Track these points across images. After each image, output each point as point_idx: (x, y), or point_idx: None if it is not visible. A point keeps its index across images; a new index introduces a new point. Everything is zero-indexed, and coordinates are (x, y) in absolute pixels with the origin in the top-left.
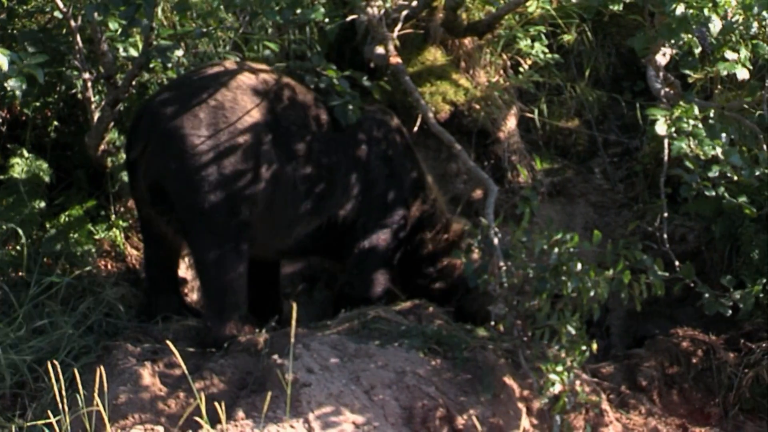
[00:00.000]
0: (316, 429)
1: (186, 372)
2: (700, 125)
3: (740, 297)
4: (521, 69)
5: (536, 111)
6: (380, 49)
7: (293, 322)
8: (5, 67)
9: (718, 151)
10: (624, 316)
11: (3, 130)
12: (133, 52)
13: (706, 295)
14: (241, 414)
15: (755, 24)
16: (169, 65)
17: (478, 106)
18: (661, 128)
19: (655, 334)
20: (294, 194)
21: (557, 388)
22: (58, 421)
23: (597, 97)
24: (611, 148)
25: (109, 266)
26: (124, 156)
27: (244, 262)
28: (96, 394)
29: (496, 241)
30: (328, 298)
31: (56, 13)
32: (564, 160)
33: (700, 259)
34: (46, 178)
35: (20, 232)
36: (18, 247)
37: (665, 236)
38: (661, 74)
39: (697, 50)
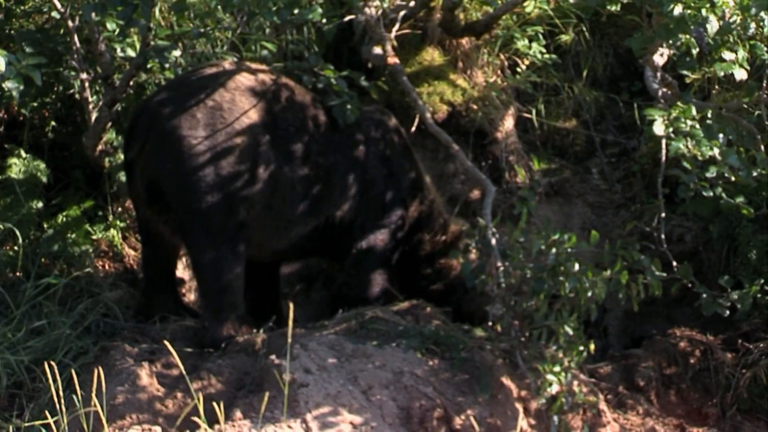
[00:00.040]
0: (313, 429)
1: (184, 372)
2: (698, 126)
3: (738, 297)
4: (519, 69)
5: (534, 111)
6: (378, 50)
7: (290, 323)
8: (2, 68)
9: (716, 151)
10: (621, 316)
11: (0, 131)
12: (131, 53)
13: (704, 295)
14: (238, 414)
15: (753, 24)
16: (167, 65)
17: (475, 107)
18: (658, 128)
19: (653, 335)
20: (292, 195)
21: (555, 389)
22: (55, 422)
23: (594, 98)
24: (609, 148)
25: (107, 266)
26: (121, 156)
27: (242, 263)
28: (94, 395)
29: (493, 241)
30: (325, 298)
31: (54, 14)
32: (561, 161)
33: (697, 259)
34: (44, 179)
35: (17, 232)
36: (15, 248)
37: (663, 236)
38: (658, 74)
39: (695, 51)
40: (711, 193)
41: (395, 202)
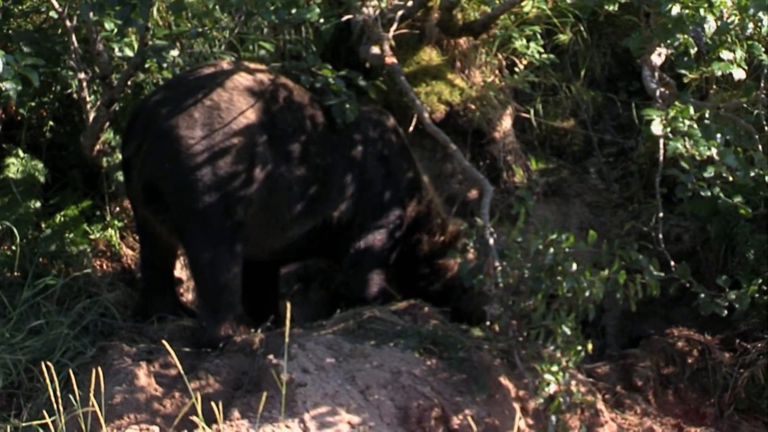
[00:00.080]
0: (311, 429)
1: (182, 372)
2: (696, 125)
3: (736, 297)
4: (516, 69)
5: (532, 111)
6: (376, 49)
7: (287, 322)
8: (0, 69)
9: (714, 151)
10: (619, 316)
11: None
12: (129, 52)
13: (702, 295)
14: (236, 414)
15: (750, 25)
16: (165, 65)
17: (473, 106)
18: (656, 128)
19: (651, 334)
20: (289, 195)
21: (552, 388)
22: (53, 422)
23: (592, 97)
24: (607, 148)
25: (105, 266)
26: (119, 156)
27: (239, 263)
28: (92, 395)
29: (491, 241)
30: (323, 298)
31: (52, 13)
32: (559, 160)
33: (695, 259)
34: (42, 178)
35: (15, 231)
36: (13, 247)
37: (660, 236)
38: (656, 74)
39: (693, 50)
40: (709, 193)
41: (393, 202)
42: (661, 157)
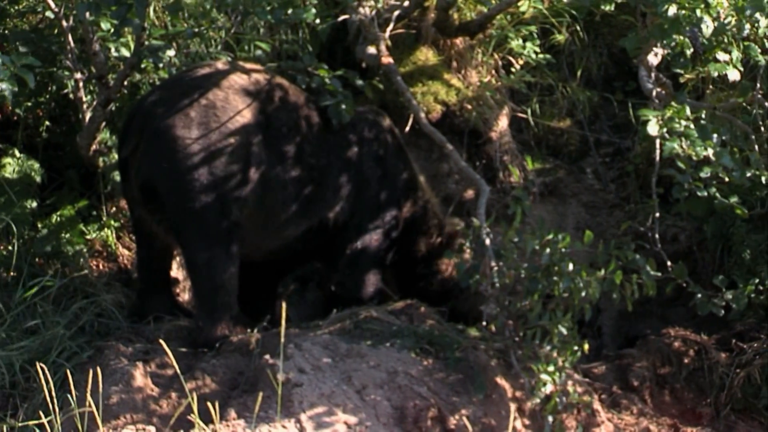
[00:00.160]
0: (308, 429)
1: (178, 372)
2: (692, 126)
3: (733, 297)
4: (513, 69)
5: (528, 111)
6: (372, 49)
7: (283, 322)
8: None
9: (710, 151)
10: (616, 316)
11: None
12: (125, 52)
13: (699, 295)
14: (233, 414)
15: (747, 26)
16: (161, 65)
17: (469, 106)
18: (652, 129)
19: (647, 334)
20: (284, 195)
21: (549, 388)
22: (49, 422)
23: (589, 97)
24: (603, 148)
25: (101, 266)
26: (115, 156)
27: (235, 262)
28: (88, 395)
29: (487, 241)
30: (319, 298)
31: (48, 13)
32: (556, 160)
33: (691, 259)
34: (38, 178)
35: (13, 229)
36: (10, 247)
37: (657, 236)
38: (652, 74)
39: (689, 51)
40: (705, 193)
41: (389, 202)
42: (658, 158)
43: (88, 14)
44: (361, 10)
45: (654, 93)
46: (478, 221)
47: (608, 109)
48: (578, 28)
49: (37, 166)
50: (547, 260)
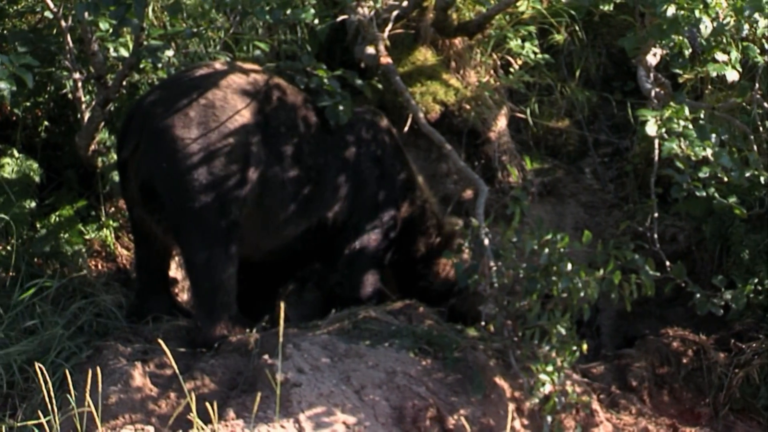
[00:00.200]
0: (306, 429)
1: (177, 372)
2: (691, 126)
3: (732, 297)
4: (512, 69)
5: (527, 111)
6: (371, 50)
7: (281, 322)
8: None
9: (709, 151)
10: (614, 316)
11: None
12: (124, 52)
13: (698, 294)
14: (231, 414)
15: (746, 26)
16: (160, 65)
17: (468, 106)
18: (651, 129)
19: (646, 334)
20: (283, 195)
21: (548, 389)
22: (48, 422)
23: (587, 97)
24: (602, 148)
25: (100, 266)
26: (114, 156)
27: (234, 262)
28: (87, 395)
29: (486, 241)
30: (318, 298)
31: (47, 13)
32: (554, 160)
33: (690, 259)
34: (37, 178)
35: (12, 229)
36: (8, 247)
37: (656, 236)
38: (651, 74)
39: (687, 51)
40: (704, 193)
41: (388, 202)
42: (656, 158)
43: (86, 14)
44: (359, 10)
45: (653, 93)
46: (476, 221)
47: (607, 109)
48: (577, 28)
49: (35, 166)
50: (546, 260)
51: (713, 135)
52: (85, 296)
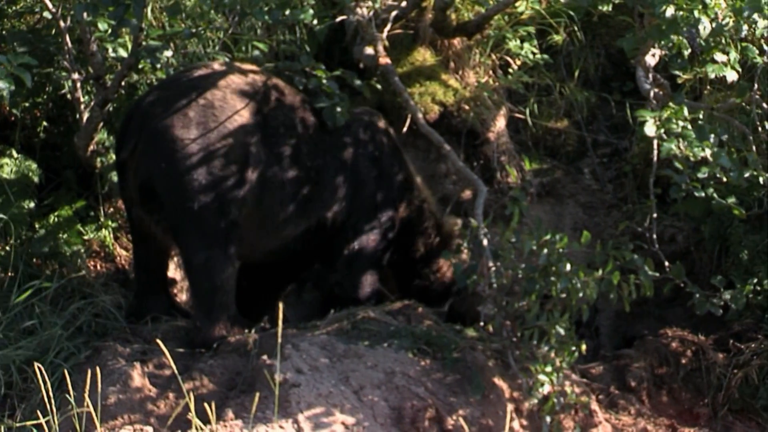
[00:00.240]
0: (305, 430)
1: (176, 372)
2: (690, 126)
3: (731, 297)
4: (510, 69)
5: (526, 111)
6: (369, 50)
7: (280, 323)
8: None
9: (708, 152)
10: (613, 316)
11: None
12: (123, 53)
13: (697, 295)
14: (230, 414)
15: (745, 27)
16: (159, 66)
17: (467, 107)
18: (650, 129)
19: (645, 335)
20: (282, 195)
21: (546, 389)
22: (47, 422)
23: (586, 98)
24: (600, 148)
25: (99, 267)
26: (113, 156)
27: (233, 263)
28: (86, 395)
29: (485, 241)
30: (317, 298)
31: (45, 14)
32: (553, 161)
33: (689, 259)
34: (35, 179)
35: (11, 229)
36: (7, 248)
37: (654, 237)
38: (650, 75)
39: (687, 51)
40: (702, 194)
41: (386, 203)
42: (655, 158)
43: (85, 15)
44: (358, 10)
45: (652, 93)
46: (475, 221)
47: (606, 110)
48: (576, 28)
49: (34, 166)
50: (545, 261)
51: (712, 135)
52: (84, 297)
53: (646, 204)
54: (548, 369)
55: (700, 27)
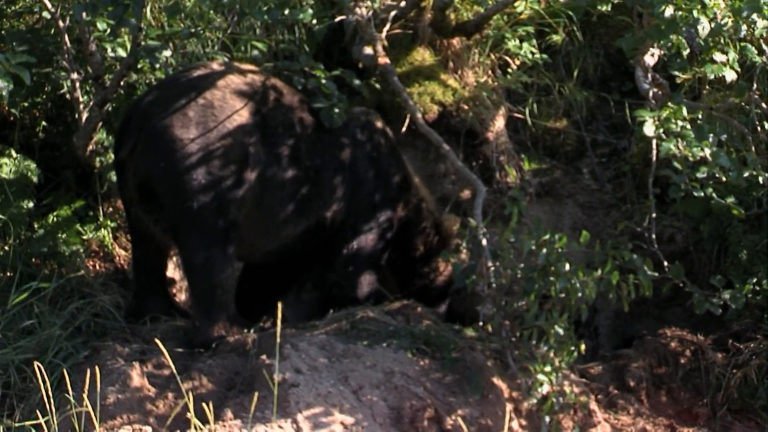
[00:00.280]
0: (304, 429)
1: (175, 372)
2: (689, 126)
3: (730, 297)
4: (509, 69)
5: (525, 111)
6: (368, 50)
7: (279, 322)
8: None
9: (707, 152)
10: (612, 316)
11: None
12: (122, 53)
13: (696, 295)
14: (229, 414)
15: (744, 27)
16: (158, 65)
17: (466, 107)
18: (649, 129)
19: (644, 335)
20: (281, 195)
21: (545, 389)
22: (46, 422)
23: (585, 98)
24: (599, 148)
25: (98, 267)
26: (112, 156)
27: (233, 263)
28: (85, 395)
29: (484, 241)
30: (316, 298)
31: (44, 14)
32: (552, 161)
33: (688, 259)
34: (35, 179)
35: (10, 228)
36: (6, 248)
37: (653, 236)
38: (649, 75)
39: (686, 51)
40: (702, 194)
41: (383, 203)
42: (654, 158)
43: (84, 14)
44: (357, 10)
45: (651, 93)
46: (474, 221)
47: (605, 110)
48: (575, 28)
49: (33, 166)
50: (544, 260)
51: (711, 135)
52: (83, 296)
53: (645, 204)
54: (547, 369)
55: (699, 27)
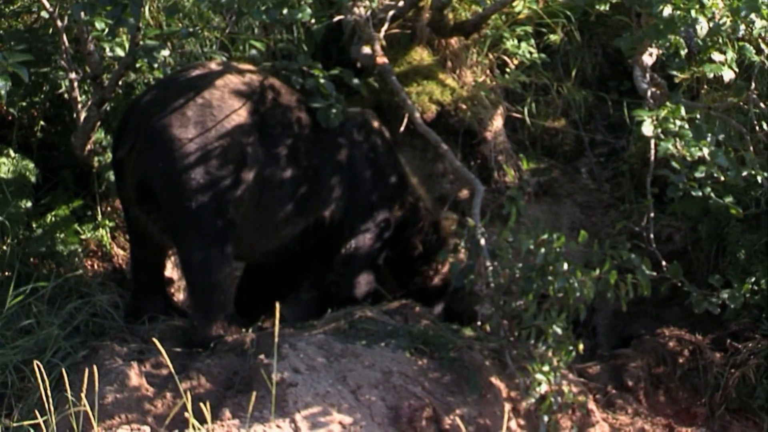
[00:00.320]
0: (302, 429)
1: (173, 372)
2: (687, 126)
3: (729, 296)
4: (508, 69)
5: (523, 111)
6: (367, 49)
7: (277, 322)
8: None
9: (705, 151)
10: (610, 316)
11: None
12: (120, 52)
13: (694, 294)
14: (227, 414)
15: (742, 26)
16: (156, 65)
17: (464, 106)
18: (647, 129)
19: (642, 334)
20: (280, 194)
21: (544, 388)
22: (44, 422)
23: (583, 97)
24: (598, 147)
25: (96, 266)
26: (110, 156)
27: (231, 262)
28: (83, 394)
29: (482, 241)
30: (314, 298)
31: (43, 13)
32: (550, 160)
33: (686, 258)
34: (33, 178)
35: (8, 227)
36: (4, 247)
37: (652, 236)
38: (647, 74)
39: (684, 51)
40: (700, 193)
41: (381, 202)
42: (652, 157)
43: (82, 14)
44: (356, 10)
45: (649, 93)
46: (473, 221)
47: (603, 109)
48: (573, 28)
49: (31, 165)
50: (542, 260)
51: (709, 135)
52: (81, 296)
53: (644, 203)
54: (545, 368)
55: (698, 26)
